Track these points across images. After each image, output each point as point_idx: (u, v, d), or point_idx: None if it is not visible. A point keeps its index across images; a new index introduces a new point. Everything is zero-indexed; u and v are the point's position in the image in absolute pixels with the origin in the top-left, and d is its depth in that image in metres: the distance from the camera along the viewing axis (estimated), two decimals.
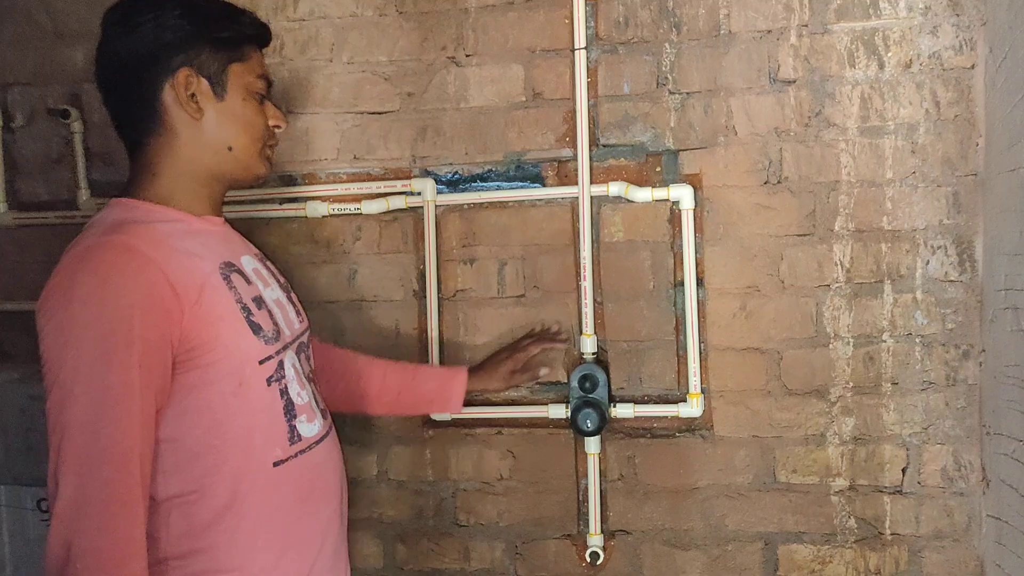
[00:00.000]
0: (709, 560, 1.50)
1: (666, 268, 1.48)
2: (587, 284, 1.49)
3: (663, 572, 1.52)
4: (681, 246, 1.46)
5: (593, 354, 1.49)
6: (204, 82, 1.01)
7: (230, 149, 1.03)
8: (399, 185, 1.55)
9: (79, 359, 0.86)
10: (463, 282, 1.55)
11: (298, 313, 1.13)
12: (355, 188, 1.56)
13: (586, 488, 1.52)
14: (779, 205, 1.44)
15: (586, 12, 1.46)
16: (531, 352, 1.45)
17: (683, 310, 1.47)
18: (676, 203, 1.46)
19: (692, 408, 1.46)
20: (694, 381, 1.46)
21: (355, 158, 1.57)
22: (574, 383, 1.48)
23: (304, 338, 1.13)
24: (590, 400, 1.46)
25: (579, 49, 1.47)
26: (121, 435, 0.86)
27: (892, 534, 1.44)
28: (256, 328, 0.99)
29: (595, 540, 1.51)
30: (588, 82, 1.47)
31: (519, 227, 1.52)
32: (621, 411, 1.48)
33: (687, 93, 1.46)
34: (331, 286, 1.59)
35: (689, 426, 1.49)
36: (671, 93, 1.46)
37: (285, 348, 1.04)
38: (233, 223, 1.16)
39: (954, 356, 1.40)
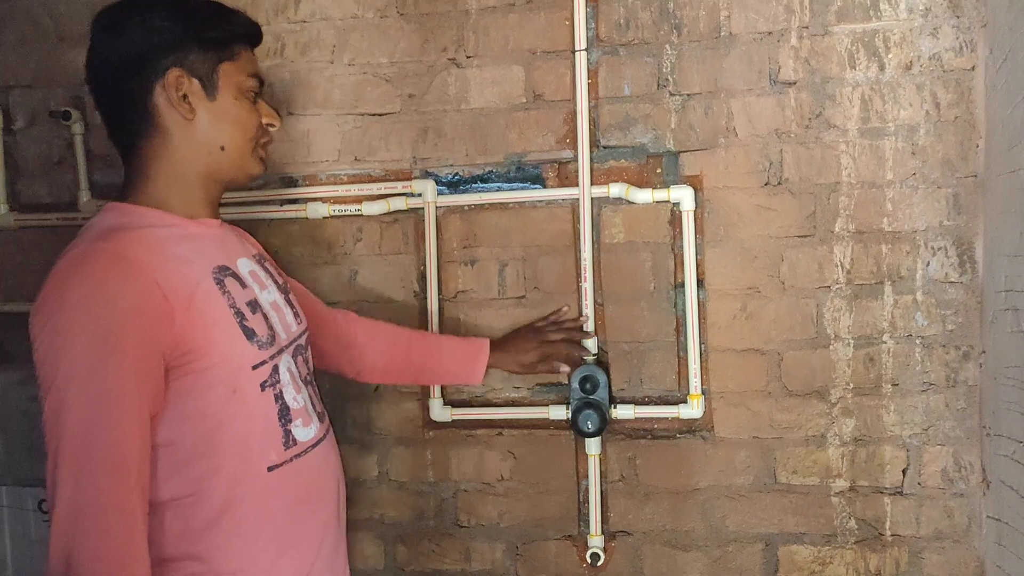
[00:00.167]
0: (710, 561, 1.50)
1: (667, 269, 1.48)
2: (587, 285, 1.49)
3: (664, 573, 1.52)
4: (682, 247, 1.46)
5: (594, 355, 1.50)
6: (195, 82, 1.01)
7: (223, 149, 1.03)
8: (400, 186, 1.55)
9: (72, 367, 0.86)
10: (464, 283, 1.55)
11: (296, 315, 1.13)
12: (356, 189, 1.56)
13: (587, 489, 1.52)
14: (779, 206, 1.44)
15: (587, 14, 1.47)
16: (557, 347, 1.44)
17: (684, 311, 1.47)
18: (677, 204, 1.47)
19: (693, 409, 1.46)
20: (695, 382, 1.46)
21: (356, 159, 1.57)
22: (575, 384, 1.48)
23: (302, 340, 1.12)
24: (591, 401, 1.46)
25: (580, 51, 1.47)
26: (116, 441, 0.86)
27: (892, 535, 1.44)
28: (249, 333, 0.99)
29: (596, 541, 1.51)
30: (589, 83, 1.48)
31: (520, 228, 1.52)
32: (622, 412, 1.48)
33: (688, 95, 1.46)
34: (332, 287, 1.59)
35: (690, 427, 1.49)
36: (672, 95, 1.46)
37: (280, 352, 1.04)
38: (234, 224, 1.16)
39: (954, 357, 1.41)
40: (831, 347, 1.44)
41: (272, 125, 1.09)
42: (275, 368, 1.02)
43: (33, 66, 1.66)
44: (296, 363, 1.08)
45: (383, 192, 1.56)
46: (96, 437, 0.86)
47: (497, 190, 1.53)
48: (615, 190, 1.47)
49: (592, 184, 1.48)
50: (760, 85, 1.43)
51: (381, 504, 1.61)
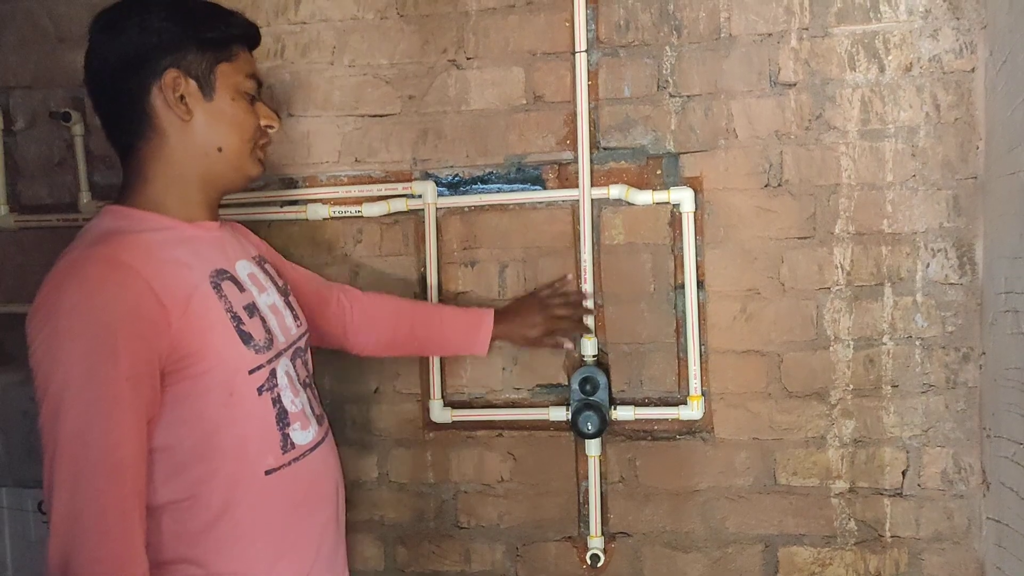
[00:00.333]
0: (710, 562, 1.50)
1: (667, 271, 1.48)
2: (588, 287, 1.49)
3: (663, 574, 1.52)
4: (682, 249, 1.47)
5: (594, 356, 1.50)
6: (192, 83, 1.00)
7: (220, 150, 1.03)
8: (400, 188, 1.55)
9: (67, 373, 0.86)
10: (464, 284, 1.55)
11: (296, 317, 1.13)
12: (356, 191, 1.56)
13: (587, 490, 1.52)
14: (779, 208, 1.44)
15: (587, 15, 1.47)
16: (562, 322, 1.43)
17: (684, 313, 1.47)
18: (677, 206, 1.47)
19: (692, 410, 1.46)
20: (695, 383, 1.47)
21: (356, 161, 1.57)
22: (575, 385, 1.48)
23: (302, 343, 1.12)
24: (591, 403, 1.46)
25: (580, 52, 1.47)
26: (113, 445, 0.86)
27: (892, 536, 1.44)
28: (246, 338, 0.99)
29: (596, 542, 1.51)
30: (589, 85, 1.48)
31: (520, 229, 1.52)
32: (622, 413, 1.48)
33: (688, 96, 1.46)
34: None
35: (689, 428, 1.49)
36: (672, 96, 1.46)
37: (278, 356, 1.03)
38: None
39: (954, 359, 1.41)
40: (831, 348, 1.44)
41: (270, 127, 1.09)
42: (272, 372, 1.02)
43: (33, 67, 1.66)
44: (295, 366, 1.08)
45: (383, 193, 1.56)
46: (92, 441, 0.86)
47: (497, 191, 1.53)
48: (615, 191, 1.47)
49: (592, 185, 1.48)
50: (760, 87, 1.43)
51: (381, 505, 1.61)
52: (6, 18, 1.66)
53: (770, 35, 1.42)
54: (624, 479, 1.52)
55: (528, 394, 1.55)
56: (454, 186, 1.55)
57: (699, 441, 1.49)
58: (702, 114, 1.45)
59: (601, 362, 1.51)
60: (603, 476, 1.52)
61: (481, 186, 1.54)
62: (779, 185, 1.44)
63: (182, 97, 1.00)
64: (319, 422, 1.10)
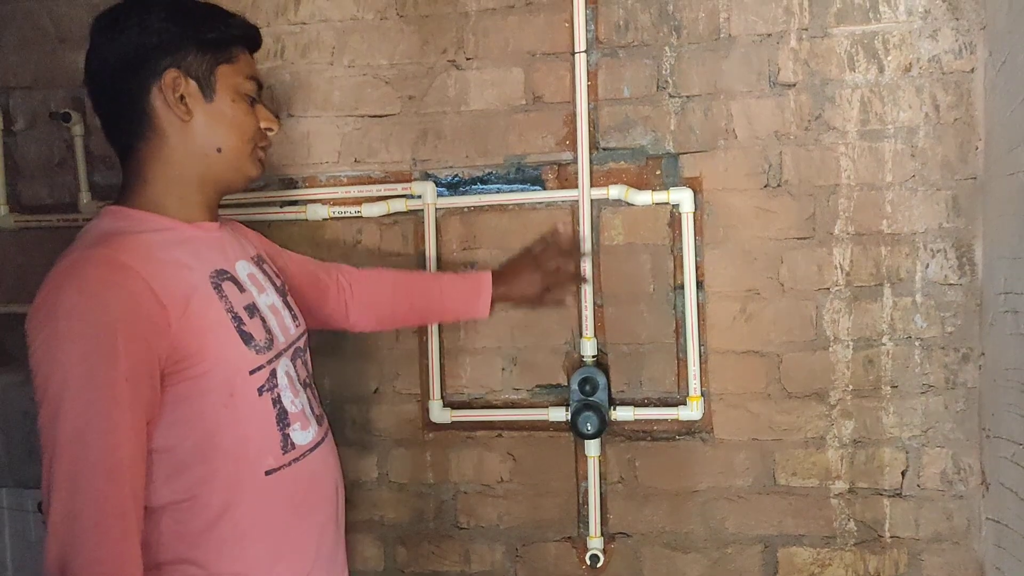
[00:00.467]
0: (709, 563, 1.50)
1: (666, 271, 1.48)
2: (587, 287, 1.49)
3: (663, 575, 1.52)
4: (681, 249, 1.47)
5: (593, 357, 1.50)
6: (192, 83, 1.00)
7: (219, 151, 1.03)
8: (399, 188, 1.55)
9: (66, 375, 0.86)
10: None
11: (295, 318, 1.13)
12: (355, 191, 1.57)
13: (586, 491, 1.52)
14: (779, 208, 1.44)
15: (586, 16, 1.47)
16: (559, 276, 1.42)
17: (683, 313, 1.47)
18: (676, 206, 1.47)
19: (692, 411, 1.47)
20: (694, 384, 1.47)
21: (356, 161, 1.57)
22: (574, 386, 1.48)
23: (301, 343, 1.12)
24: (590, 403, 1.47)
25: (579, 52, 1.47)
26: (110, 448, 0.86)
27: (892, 537, 1.44)
28: (247, 338, 0.99)
29: (595, 543, 1.52)
30: (588, 85, 1.48)
31: (519, 230, 1.52)
32: (621, 414, 1.48)
33: (687, 96, 1.46)
34: None
35: (689, 429, 1.50)
36: (671, 96, 1.46)
37: (279, 356, 1.04)
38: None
39: (954, 359, 1.41)
40: (830, 349, 1.44)
41: (270, 129, 1.09)
42: (273, 372, 1.02)
43: (33, 68, 1.67)
44: (295, 366, 1.08)
45: (383, 194, 1.56)
46: (92, 442, 0.86)
47: (497, 192, 1.53)
48: (614, 192, 1.47)
49: (592, 186, 1.49)
50: (760, 87, 1.43)
51: (381, 506, 1.61)
52: (6, 18, 1.67)
53: (769, 35, 1.42)
54: (624, 479, 1.52)
55: (527, 394, 1.55)
56: (454, 186, 1.55)
57: (698, 441, 1.49)
58: (701, 114, 1.45)
59: (601, 362, 1.51)
60: (602, 476, 1.52)
61: (481, 186, 1.54)
62: (778, 185, 1.44)
63: (182, 97, 1.00)
64: (319, 422, 1.10)
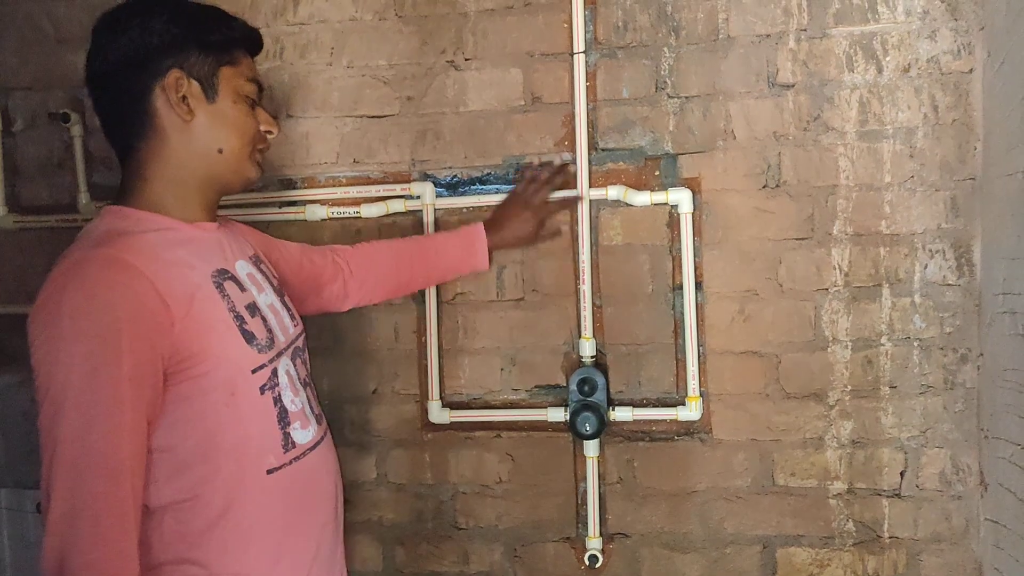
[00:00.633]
0: (708, 563, 1.50)
1: (665, 272, 1.48)
2: (586, 288, 1.49)
3: (662, 575, 1.52)
4: (680, 250, 1.47)
5: (592, 357, 1.50)
6: (195, 84, 1.01)
7: (220, 152, 1.03)
8: (398, 188, 1.55)
9: (69, 375, 0.86)
10: (462, 286, 1.56)
11: (292, 317, 1.13)
12: (354, 191, 1.57)
13: (585, 491, 1.52)
14: (778, 209, 1.44)
15: (585, 16, 1.47)
16: (549, 207, 1.45)
17: (682, 314, 1.47)
18: (675, 207, 1.47)
19: (691, 411, 1.47)
20: (693, 384, 1.47)
21: (355, 162, 1.57)
22: (573, 386, 1.48)
23: (299, 342, 1.12)
24: (589, 403, 1.47)
25: (578, 53, 1.47)
26: (111, 448, 0.87)
27: (890, 537, 1.44)
28: (249, 337, 0.99)
29: (594, 543, 1.52)
30: (587, 86, 1.48)
31: None
32: (620, 414, 1.48)
33: (686, 97, 1.46)
34: None
35: (688, 429, 1.50)
36: (670, 97, 1.46)
37: (279, 355, 1.04)
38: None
39: (952, 360, 1.41)
40: (829, 349, 1.44)
41: (270, 132, 1.09)
42: (274, 371, 1.02)
43: (32, 68, 1.67)
44: (294, 365, 1.08)
45: (382, 194, 1.56)
46: (92, 444, 0.86)
47: (496, 192, 1.53)
48: (613, 192, 1.47)
49: (590, 186, 1.49)
50: (758, 87, 1.43)
51: (379, 506, 1.61)
52: (6, 20, 1.67)
53: (768, 36, 1.42)
54: (622, 480, 1.52)
55: (526, 395, 1.55)
56: (452, 187, 1.55)
57: (697, 442, 1.49)
58: (700, 115, 1.45)
59: (599, 363, 1.51)
60: (601, 477, 1.52)
61: (479, 187, 1.54)
62: (777, 186, 1.44)
63: (184, 98, 1.00)
64: (318, 421, 1.11)
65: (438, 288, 1.55)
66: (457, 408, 1.56)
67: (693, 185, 1.46)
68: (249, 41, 1.09)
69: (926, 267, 1.40)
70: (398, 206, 1.55)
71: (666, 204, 1.47)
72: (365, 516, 1.61)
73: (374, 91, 1.56)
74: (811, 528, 1.46)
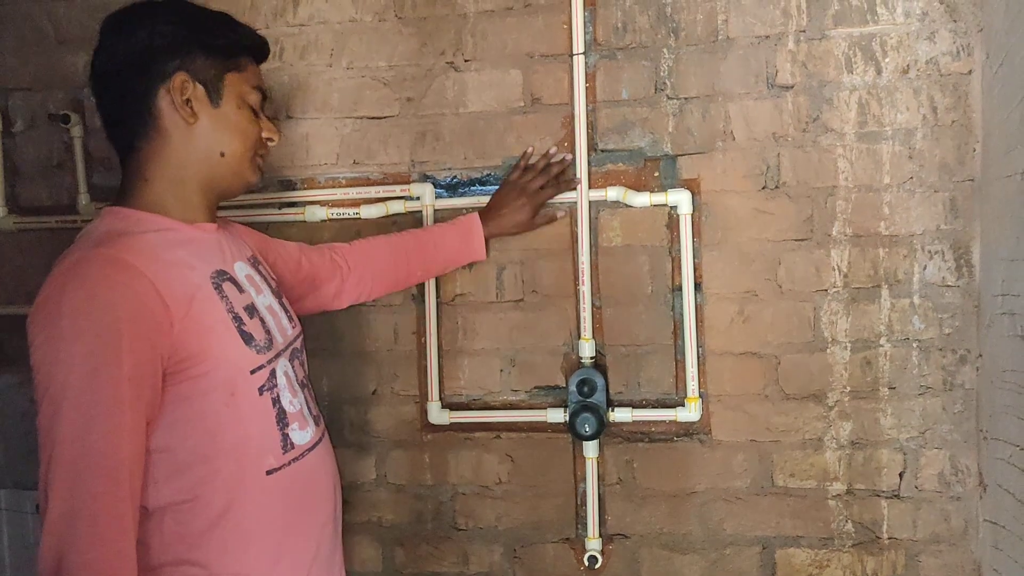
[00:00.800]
0: (707, 564, 1.50)
1: (664, 273, 1.49)
2: (585, 288, 1.49)
3: None
4: (679, 251, 1.47)
5: (591, 358, 1.50)
6: (200, 88, 1.02)
7: (222, 155, 1.04)
8: (398, 189, 1.55)
9: (68, 374, 0.86)
10: (462, 286, 1.56)
11: (290, 318, 1.13)
12: (354, 192, 1.57)
13: (584, 492, 1.52)
14: (777, 210, 1.44)
15: (584, 17, 1.47)
16: (546, 193, 1.45)
17: (681, 315, 1.47)
18: (674, 208, 1.47)
19: (690, 412, 1.47)
20: (692, 385, 1.47)
21: (354, 163, 1.58)
22: (572, 387, 1.49)
23: (297, 344, 1.13)
24: (588, 404, 1.47)
25: (578, 54, 1.47)
26: (110, 449, 0.87)
27: (889, 538, 1.44)
28: (248, 338, 1.00)
29: (593, 544, 1.52)
30: (586, 87, 1.48)
31: None
32: (619, 415, 1.48)
33: (685, 98, 1.46)
34: None
35: (687, 430, 1.50)
36: (669, 98, 1.46)
37: (277, 356, 1.04)
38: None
39: (951, 361, 1.41)
40: (828, 351, 1.44)
41: (271, 139, 1.10)
42: (272, 372, 1.02)
43: (32, 69, 1.67)
44: (292, 366, 1.08)
45: (381, 195, 1.56)
46: (90, 444, 0.86)
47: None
48: (613, 193, 1.47)
49: (590, 187, 1.49)
50: (757, 89, 1.43)
51: (379, 507, 1.61)
52: (6, 20, 1.67)
53: (767, 37, 1.43)
54: (622, 481, 1.52)
55: (526, 396, 1.55)
56: (452, 188, 1.55)
57: (696, 443, 1.50)
58: (700, 116, 1.46)
59: (599, 364, 1.51)
60: (601, 478, 1.52)
61: (479, 188, 1.54)
62: (776, 187, 1.44)
63: (188, 101, 1.01)
64: (316, 422, 1.11)
65: (438, 289, 1.55)
66: (457, 409, 1.56)
67: (692, 186, 1.46)
68: (255, 48, 1.10)
69: (925, 268, 1.40)
70: (398, 207, 1.55)
71: (665, 205, 1.47)
72: (365, 517, 1.61)
73: (374, 92, 1.56)
74: (810, 529, 1.46)
